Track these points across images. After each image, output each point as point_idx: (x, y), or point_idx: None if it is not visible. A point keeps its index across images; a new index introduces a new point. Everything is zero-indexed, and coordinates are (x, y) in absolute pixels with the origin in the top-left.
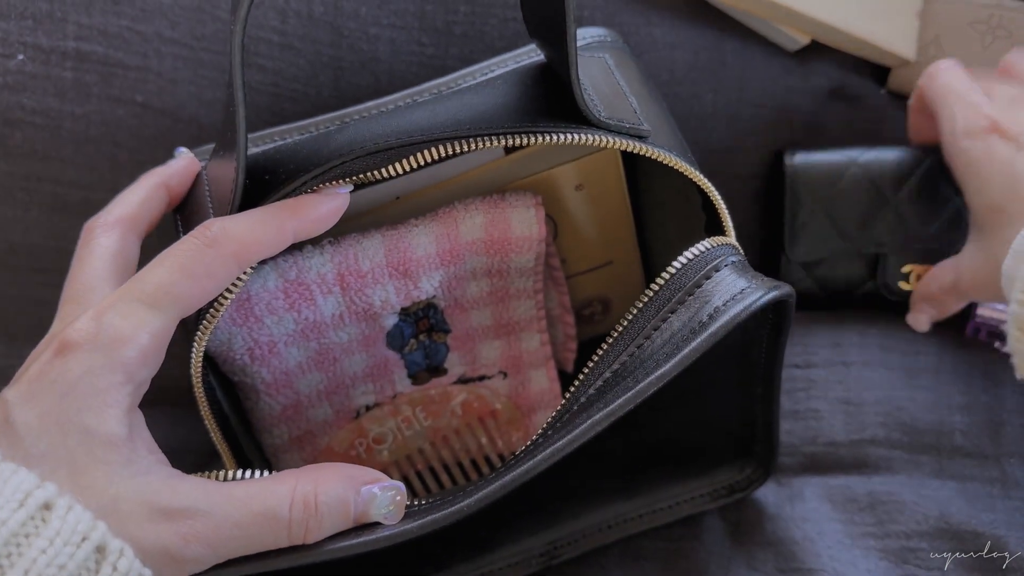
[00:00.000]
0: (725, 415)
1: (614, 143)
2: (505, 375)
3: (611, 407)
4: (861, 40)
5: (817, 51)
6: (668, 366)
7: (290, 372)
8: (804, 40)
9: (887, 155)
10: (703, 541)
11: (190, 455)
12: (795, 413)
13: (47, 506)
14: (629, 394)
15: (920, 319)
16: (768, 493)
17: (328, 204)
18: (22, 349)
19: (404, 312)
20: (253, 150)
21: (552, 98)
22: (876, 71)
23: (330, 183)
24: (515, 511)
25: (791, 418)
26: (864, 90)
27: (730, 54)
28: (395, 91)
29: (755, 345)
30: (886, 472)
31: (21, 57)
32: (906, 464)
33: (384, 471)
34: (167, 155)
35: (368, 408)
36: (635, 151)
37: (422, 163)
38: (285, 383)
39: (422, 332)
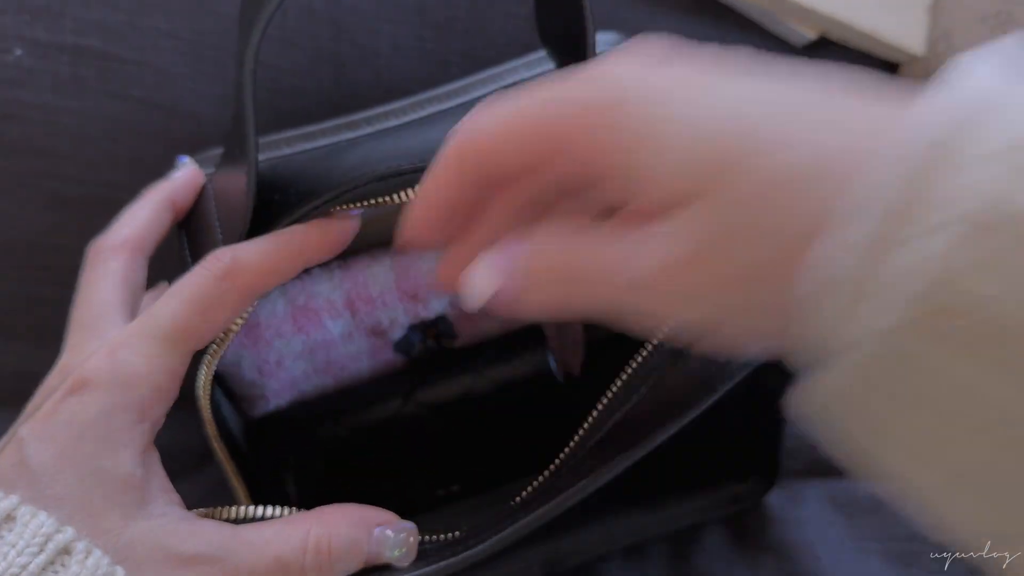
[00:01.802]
0: (733, 432)
1: None
2: None
3: (629, 452)
4: (869, 35)
5: (825, 47)
6: (688, 414)
7: (297, 380)
8: (811, 35)
9: None
10: (705, 544)
11: (182, 455)
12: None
13: (66, 551)
14: (646, 441)
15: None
16: (770, 496)
17: (340, 229)
18: (21, 347)
19: (412, 324)
20: (260, 158)
21: None
22: (885, 67)
23: (342, 207)
24: None
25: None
26: None
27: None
28: (396, 86)
29: (769, 369)
30: None
31: (19, 52)
32: None
33: None
34: (165, 150)
35: None
36: None
37: None
38: (292, 389)
39: (430, 339)
